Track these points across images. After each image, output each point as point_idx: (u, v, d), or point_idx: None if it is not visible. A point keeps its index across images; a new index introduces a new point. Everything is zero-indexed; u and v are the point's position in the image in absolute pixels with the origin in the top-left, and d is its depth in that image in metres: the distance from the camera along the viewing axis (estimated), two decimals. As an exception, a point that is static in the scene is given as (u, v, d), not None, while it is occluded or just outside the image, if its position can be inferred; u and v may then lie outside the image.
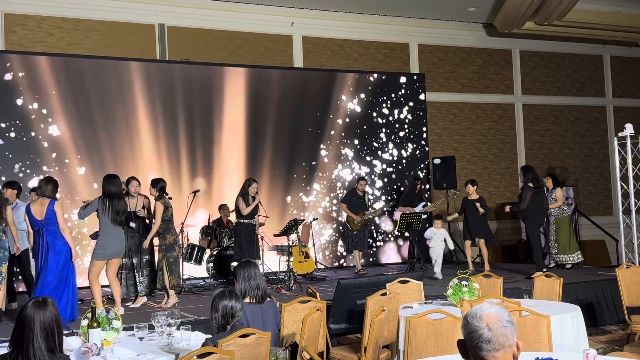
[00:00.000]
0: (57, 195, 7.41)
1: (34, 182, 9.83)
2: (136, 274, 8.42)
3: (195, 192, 9.79)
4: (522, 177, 9.88)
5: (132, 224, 8.25)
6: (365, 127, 12.83)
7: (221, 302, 3.89)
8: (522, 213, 9.79)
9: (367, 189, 12.53)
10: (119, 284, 7.56)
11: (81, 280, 8.87)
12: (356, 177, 12.35)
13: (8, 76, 10.31)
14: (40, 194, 7.15)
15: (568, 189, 12.60)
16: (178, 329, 4.28)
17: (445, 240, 10.02)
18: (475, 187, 10.58)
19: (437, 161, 12.75)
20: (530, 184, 9.68)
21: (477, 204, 10.32)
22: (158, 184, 8.15)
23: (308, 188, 12.29)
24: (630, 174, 10.18)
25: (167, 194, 8.21)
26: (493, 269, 9.91)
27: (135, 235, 8.44)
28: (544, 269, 9.48)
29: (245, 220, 9.21)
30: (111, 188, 7.36)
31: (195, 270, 10.44)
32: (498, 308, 2.35)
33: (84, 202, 7.70)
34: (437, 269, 9.88)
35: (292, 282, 9.32)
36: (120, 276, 8.26)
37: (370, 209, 11.18)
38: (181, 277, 8.58)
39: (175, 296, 8.02)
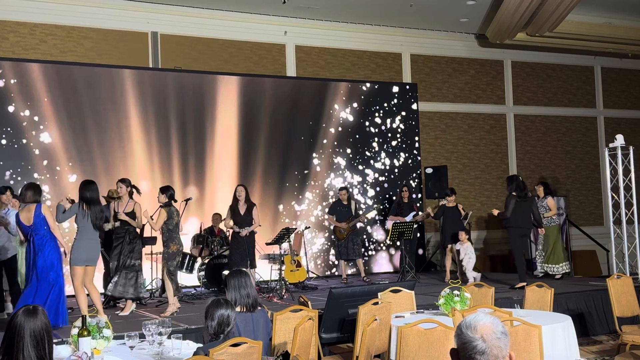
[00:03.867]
0: (48, 203, 7.38)
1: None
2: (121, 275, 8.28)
3: (187, 200, 9.75)
4: (507, 186, 9.88)
5: (107, 226, 8.18)
6: (357, 136, 12.86)
7: (218, 310, 3.88)
8: (505, 222, 9.75)
9: (360, 198, 12.62)
10: (97, 291, 7.50)
11: (70, 289, 8.83)
12: (344, 184, 12.42)
13: (0, 83, 10.27)
14: (24, 201, 7.14)
15: (559, 199, 12.64)
16: (169, 337, 4.26)
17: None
18: (454, 195, 10.92)
19: (429, 170, 12.78)
20: (514, 193, 9.65)
21: (460, 206, 10.64)
22: (168, 192, 8.14)
23: (300, 197, 12.29)
24: (621, 185, 10.24)
25: (176, 201, 8.23)
26: (484, 279, 9.93)
27: (134, 240, 8.34)
28: (526, 280, 9.48)
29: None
30: (87, 193, 7.36)
31: (186, 279, 10.40)
32: (492, 318, 2.36)
33: (67, 199, 7.68)
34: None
35: (284, 291, 9.30)
36: (125, 278, 8.18)
37: (357, 217, 11.16)
38: (178, 284, 8.51)
39: (177, 303, 8.03)
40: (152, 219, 8.13)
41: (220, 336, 3.86)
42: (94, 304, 7.41)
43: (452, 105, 14.44)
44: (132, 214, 8.19)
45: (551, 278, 10.47)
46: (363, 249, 12.46)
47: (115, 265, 8.22)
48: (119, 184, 8.36)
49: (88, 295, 7.49)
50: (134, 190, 8.39)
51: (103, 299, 8.51)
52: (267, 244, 10.06)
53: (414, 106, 13.50)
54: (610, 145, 10.52)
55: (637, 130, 16.11)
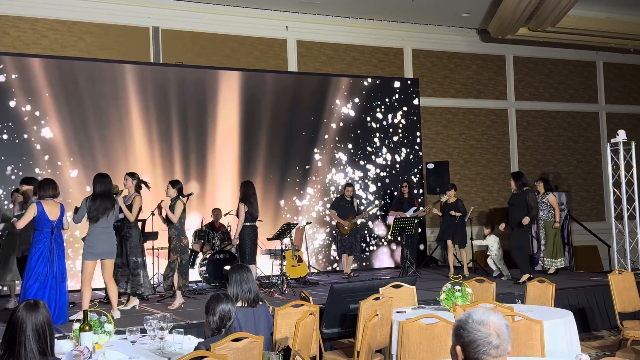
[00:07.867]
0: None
1: (26, 185, 9.78)
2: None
3: (188, 195, 9.73)
4: (515, 182, 9.79)
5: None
6: (359, 131, 12.85)
7: (219, 305, 3.88)
8: (531, 217, 9.67)
9: (361, 193, 12.64)
10: (115, 287, 7.49)
11: (72, 284, 8.88)
12: (349, 181, 12.41)
13: (1, 78, 10.27)
14: (47, 195, 7.08)
15: (561, 195, 12.63)
16: (170, 332, 4.26)
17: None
18: (454, 191, 10.92)
19: (430, 166, 12.77)
20: (527, 188, 9.69)
21: (452, 212, 10.65)
22: (177, 185, 8.26)
23: (302, 192, 12.28)
24: (623, 180, 10.23)
25: (184, 195, 8.27)
26: (486, 275, 9.94)
27: (132, 236, 8.33)
28: (532, 273, 9.50)
29: (248, 224, 9.27)
30: (97, 187, 7.31)
31: (188, 274, 10.40)
32: (496, 314, 2.39)
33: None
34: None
35: (285, 286, 9.31)
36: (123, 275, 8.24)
37: (359, 213, 11.23)
38: (188, 279, 8.50)
39: (181, 297, 8.10)
40: (173, 212, 8.10)
41: (221, 331, 3.87)
42: (107, 298, 7.47)
43: (454, 101, 14.42)
44: (129, 207, 8.16)
45: (545, 272, 10.47)
46: (364, 245, 12.51)
47: (120, 261, 8.24)
48: (127, 177, 8.35)
49: (104, 289, 7.55)
50: (142, 185, 8.40)
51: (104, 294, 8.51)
52: (269, 239, 10.06)
53: (416, 101, 13.48)
54: (612, 140, 10.50)
55: (639, 126, 16.09)
